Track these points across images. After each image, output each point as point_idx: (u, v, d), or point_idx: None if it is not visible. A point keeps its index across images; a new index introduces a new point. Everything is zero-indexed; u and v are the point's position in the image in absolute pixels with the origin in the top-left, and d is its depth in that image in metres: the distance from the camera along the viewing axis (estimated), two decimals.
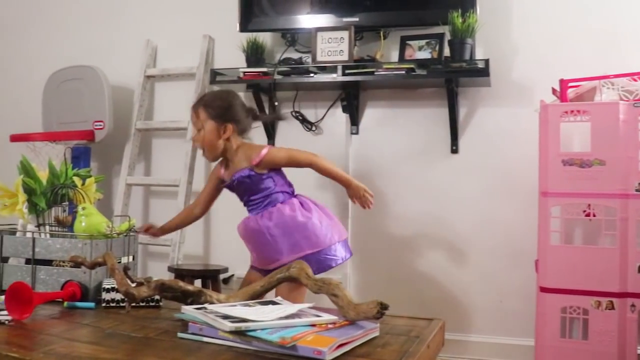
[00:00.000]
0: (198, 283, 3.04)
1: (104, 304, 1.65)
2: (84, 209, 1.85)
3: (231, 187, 2.50)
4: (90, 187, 2.04)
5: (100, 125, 3.55)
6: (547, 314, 2.66)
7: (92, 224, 1.83)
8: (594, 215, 2.63)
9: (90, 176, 2.09)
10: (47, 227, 1.96)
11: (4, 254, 1.83)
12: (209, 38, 3.64)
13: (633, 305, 2.56)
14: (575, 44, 3.08)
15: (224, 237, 3.61)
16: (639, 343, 2.61)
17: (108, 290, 1.64)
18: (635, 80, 2.72)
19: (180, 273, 3.07)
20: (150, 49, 3.76)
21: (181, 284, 1.49)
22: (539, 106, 2.76)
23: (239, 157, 2.44)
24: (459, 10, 2.98)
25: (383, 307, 1.30)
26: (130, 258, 1.94)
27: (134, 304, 1.61)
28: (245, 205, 2.53)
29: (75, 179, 2.02)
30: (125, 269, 1.52)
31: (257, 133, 3.51)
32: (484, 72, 2.95)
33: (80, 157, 3.54)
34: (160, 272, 3.33)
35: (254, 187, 2.44)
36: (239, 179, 2.42)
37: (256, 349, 1.22)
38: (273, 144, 3.52)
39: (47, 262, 1.79)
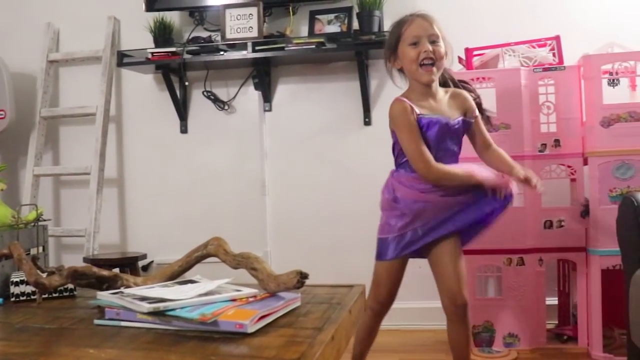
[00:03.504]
0: None
1: (13, 299, 1.58)
2: None
3: (446, 130, 2.03)
4: None
5: (1, 114, 3.38)
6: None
7: None
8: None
9: None
10: None
11: None
12: (114, 19, 3.52)
13: (541, 260, 2.70)
14: (477, 14, 3.17)
15: (141, 223, 3.54)
16: (547, 294, 2.76)
17: (17, 284, 1.57)
18: (533, 47, 2.83)
19: (97, 263, 2.97)
20: (52, 33, 3.60)
21: (95, 269, 1.45)
22: None
23: (447, 96, 2.09)
24: None
25: (303, 276, 1.31)
26: (40, 249, 1.87)
27: (46, 295, 1.55)
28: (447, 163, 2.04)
29: None
30: (34, 258, 1.47)
31: (166, 112, 3.45)
32: None
33: None
34: (76, 265, 3.23)
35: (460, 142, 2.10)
36: (462, 124, 2.06)
37: (177, 329, 1.21)
38: (186, 125, 3.47)
39: None
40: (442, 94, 2.09)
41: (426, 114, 2.01)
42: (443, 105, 2.06)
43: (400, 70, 2.12)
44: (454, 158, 2.08)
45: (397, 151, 2.10)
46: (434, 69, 2.00)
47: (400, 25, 2.08)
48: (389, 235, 2.09)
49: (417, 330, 3.14)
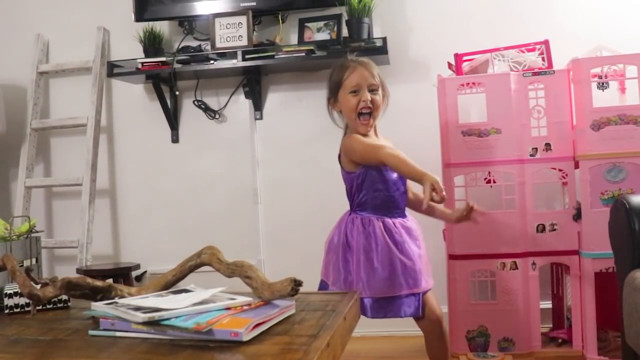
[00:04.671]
0: None
1: (6, 311, 1.56)
2: None
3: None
4: None
5: None
6: (457, 280, 2.76)
7: None
8: (494, 182, 2.75)
9: None
10: None
11: None
12: (104, 30, 3.52)
13: (534, 264, 2.70)
14: (466, 20, 3.19)
15: (134, 233, 3.53)
16: (541, 298, 2.76)
17: (10, 296, 1.56)
18: (522, 51, 2.85)
19: (90, 274, 2.97)
20: (42, 44, 3.60)
21: (89, 280, 1.45)
22: (437, 81, 2.85)
23: (386, 142, 2.22)
24: None
25: (297, 283, 1.31)
26: (34, 260, 1.86)
27: (40, 307, 1.54)
28: (389, 200, 2.14)
29: None
30: (28, 270, 1.46)
31: (157, 122, 3.45)
32: (382, 50, 3.00)
33: None
34: (69, 276, 3.22)
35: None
36: None
37: (172, 338, 1.20)
38: (177, 135, 3.47)
39: None
40: (378, 135, 2.23)
41: None
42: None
43: (340, 111, 2.22)
44: (404, 196, 2.18)
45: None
46: (371, 120, 2.13)
47: (342, 70, 2.17)
48: None
49: (413, 337, 3.13)
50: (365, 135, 2.15)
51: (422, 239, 2.19)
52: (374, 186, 2.12)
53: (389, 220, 2.11)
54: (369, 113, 2.12)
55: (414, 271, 2.06)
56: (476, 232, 2.70)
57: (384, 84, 2.18)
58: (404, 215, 2.17)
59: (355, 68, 2.14)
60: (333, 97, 2.20)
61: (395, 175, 2.12)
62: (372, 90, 2.12)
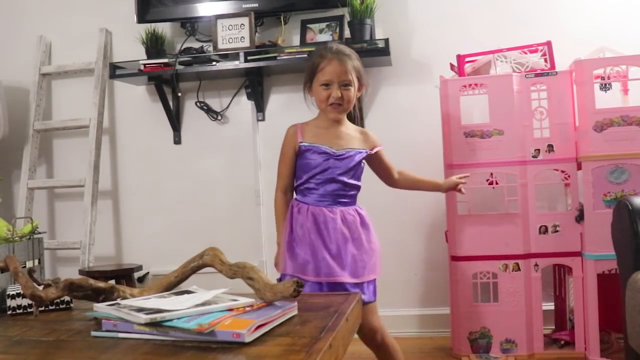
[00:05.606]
0: None
1: (9, 312, 1.56)
2: None
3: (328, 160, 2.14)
4: None
5: None
6: (460, 281, 2.76)
7: None
8: (497, 183, 2.75)
9: None
10: None
11: None
12: (106, 31, 3.53)
13: (536, 265, 2.70)
14: (468, 21, 3.19)
15: (136, 234, 3.53)
16: (543, 300, 2.76)
17: (13, 297, 1.56)
18: (525, 53, 2.85)
19: (93, 275, 2.97)
20: (44, 46, 3.60)
21: (91, 281, 1.44)
22: (439, 82, 2.85)
23: (350, 131, 2.20)
24: None
25: (299, 285, 1.31)
26: (36, 262, 1.86)
27: (42, 308, 1.54)
28: (322, 189, 2.15)
29: None
30: (30, 271, 1.46)
31: (159, 123, 3.45)
32: (384, 51, 3.00)
33: None
34: (71, 277, 3.22)
35: (359, 174, 2.19)
36: (356, 157, 2.15)
37: (174, 339, 1.20)
38: (179, 136, 3.47)
39: None
40: (351, 129, 2.22)
41: (313, 142, 2.15)
42: (346, 138, 2.17)
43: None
44: (348, 188, 2.15)
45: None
46: (341, 108, 2.13)
47: (319, 59, 2.14)
48: None
49: (414, 338, 3.14)
50: (336, 120, 2.17)
51: (363, 236, 2.17)
52: (306, 174, 2.17)
53: (316, 209, 2.13)
54: (339, 104, 2.12)
55: (325, 260, 2.08)
56: (478, 233, 2.70)
57: (361, 75, 2.16)
58: (342, 205, 2.15)
59: (330, 61, 2.10)
60: (309, 83, 2.20)
61: (335, 166, 2.13)
62: (345, 84, 2.10)
